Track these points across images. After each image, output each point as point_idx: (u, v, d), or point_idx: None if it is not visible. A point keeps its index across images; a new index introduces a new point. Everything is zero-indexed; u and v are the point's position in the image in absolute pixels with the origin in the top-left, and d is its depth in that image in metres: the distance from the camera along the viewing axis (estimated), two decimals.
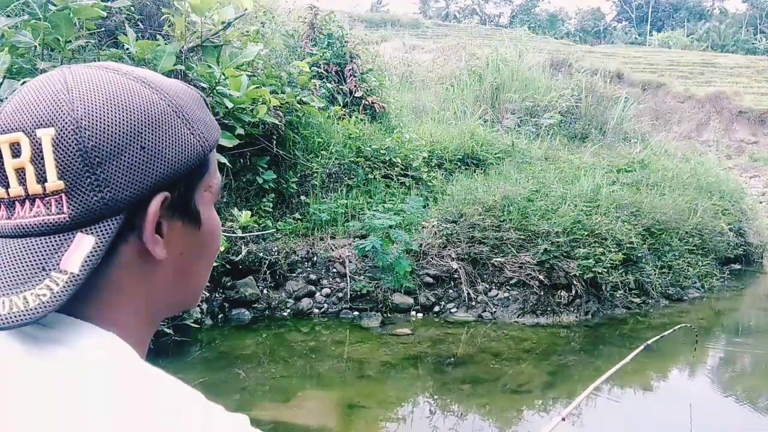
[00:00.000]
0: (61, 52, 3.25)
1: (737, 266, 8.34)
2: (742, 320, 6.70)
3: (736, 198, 9.08)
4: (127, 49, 3.87)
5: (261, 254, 5.60)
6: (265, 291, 5.58)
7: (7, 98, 0.52)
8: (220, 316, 5.36)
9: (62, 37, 3.12)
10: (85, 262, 0.48)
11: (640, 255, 6.51)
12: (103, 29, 4.85)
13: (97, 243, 0.49)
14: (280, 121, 5.75)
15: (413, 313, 5.75)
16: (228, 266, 5.30)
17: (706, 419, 3.82)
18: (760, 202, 11.81)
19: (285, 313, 5.56)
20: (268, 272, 5.63)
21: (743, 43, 50.47)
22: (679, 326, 2.81)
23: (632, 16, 69.53)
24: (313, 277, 5.79)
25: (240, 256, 5.18)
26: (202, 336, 4.96)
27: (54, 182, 0.48)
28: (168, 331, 4.47)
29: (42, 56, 3.14)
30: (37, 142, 0.48)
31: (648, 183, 8.00)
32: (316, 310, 5.64)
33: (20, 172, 0.48)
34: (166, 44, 4.09)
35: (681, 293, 6.77)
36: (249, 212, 3.82)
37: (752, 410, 4.41)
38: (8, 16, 3.19)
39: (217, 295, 5.36)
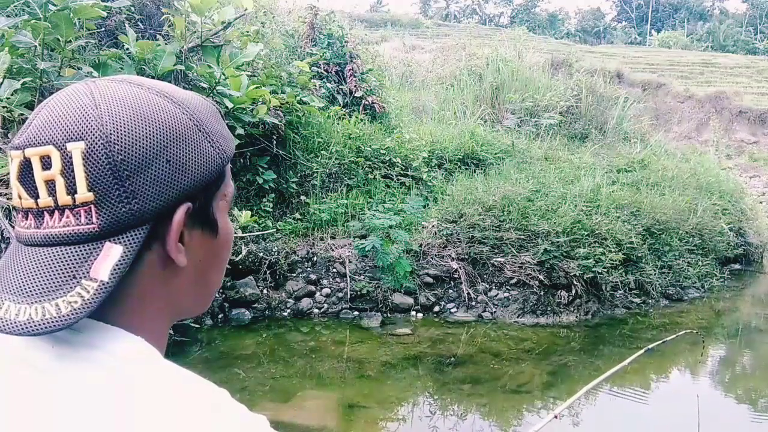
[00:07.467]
0: (61, 52, 3.24)
1: (737, 266, 8.33)
2: (742, 320, 6.70)
3: (736, 198, 9.06)
4: (127, 49, 3.87)
5: (261, 254, 5.60)
6: (265, 291, 5.58)
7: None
8: (220, 316, 5.36)
9: (62, 37, 3.12)
10: (114, 270, 0.50)
11: (640, 255, 6.51)
12: (103, 29, 4.85)
13: (124, 252, 0.51)
14: (280, 121, 5.75)
15: (413, 313, 5.75)
16: (228, 266, 5.28)
17: (711, 418, 3.81)
18: (760, 202, 11.79)
19: (285, 313, 5.56)
20: (268, 272, 5.62)
21: (743, 43, 50.50)
22: (683, 332, 2.79)
23: (632, 16, 69.56)
24: (313, 277, 5.79)
25: (240, 256, 5.18)
26: (202, 336, 4.97)
27: (84, 194, 0.50)
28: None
29: (42, 56, 3.13)
30: (67, 155, 0.50)
31: (648, 183, 8.00)
32: (316, 310, 5.64)
33: (50, 184, 0.50)
34: (166, 44, 4.09)
35: (681, 293, 6.77)
36: (249, 212, 3.81)
37: (754, 410, 4.41)
38: (8, 16, 3.19)
39: (217, 295, 5.36)
